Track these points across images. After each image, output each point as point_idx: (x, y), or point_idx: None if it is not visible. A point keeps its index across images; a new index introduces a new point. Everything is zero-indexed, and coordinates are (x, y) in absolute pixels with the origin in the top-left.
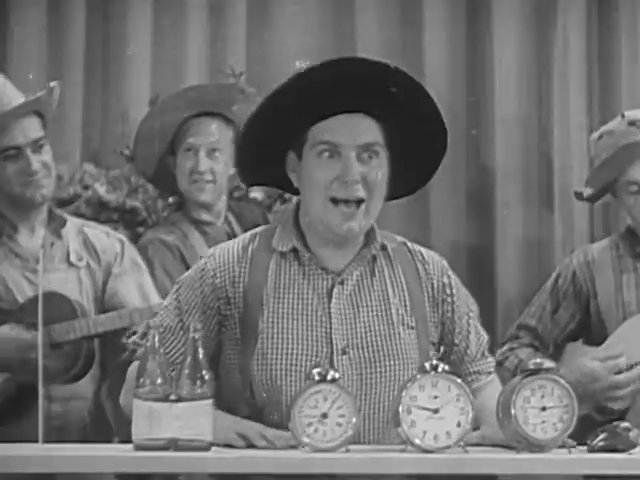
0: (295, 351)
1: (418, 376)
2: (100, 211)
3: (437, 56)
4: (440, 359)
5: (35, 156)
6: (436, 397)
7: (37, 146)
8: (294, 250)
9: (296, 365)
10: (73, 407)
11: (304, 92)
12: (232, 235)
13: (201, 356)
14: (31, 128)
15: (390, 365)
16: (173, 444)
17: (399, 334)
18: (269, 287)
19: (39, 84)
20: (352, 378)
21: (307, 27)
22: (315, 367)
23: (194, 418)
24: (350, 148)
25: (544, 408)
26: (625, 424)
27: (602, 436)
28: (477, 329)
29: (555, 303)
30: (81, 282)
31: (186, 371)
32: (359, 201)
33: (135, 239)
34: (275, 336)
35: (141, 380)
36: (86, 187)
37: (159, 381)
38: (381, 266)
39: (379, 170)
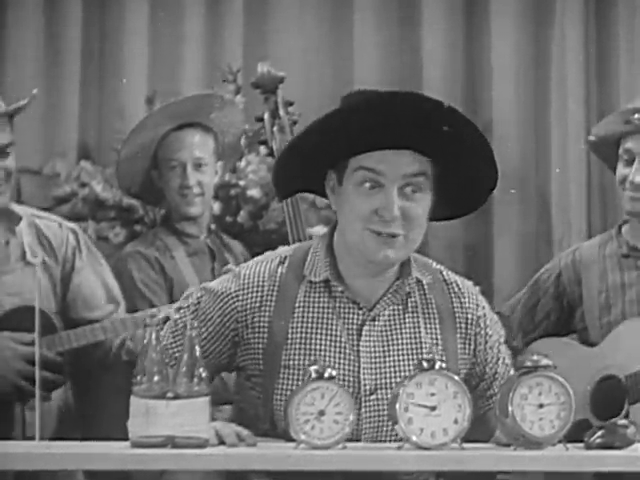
0: None
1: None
2: (97, 209)
3: (434, 54)
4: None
5: None
6: (433, 394)
7: (4, 153)
8: (326, 281)
9: None
10: (48, 409)
11: (353, 125)
12: (213, 250)
13: (198, 354)
14: (1, 134)
15: None
16: (170, 441)
17: None
18: (296, 320)
19: (36, 83)
20: (379, 419)
21: (305, 23)
22: (312, 365)
23: (191, 415)
24: (393, 180)
25: (541, 405)
26: (623, 421)
27: (599, 433)
28: (505, 351)
29: (535, 297)
30: (39, 281)
31: (183, 369)
32: (396, 235)
33: (132, 237)
34: (300, 372)
35: (138, 377)
36: (83, 185)
37: (156, 378)
38: (415, 302)
39: (420, 204)
